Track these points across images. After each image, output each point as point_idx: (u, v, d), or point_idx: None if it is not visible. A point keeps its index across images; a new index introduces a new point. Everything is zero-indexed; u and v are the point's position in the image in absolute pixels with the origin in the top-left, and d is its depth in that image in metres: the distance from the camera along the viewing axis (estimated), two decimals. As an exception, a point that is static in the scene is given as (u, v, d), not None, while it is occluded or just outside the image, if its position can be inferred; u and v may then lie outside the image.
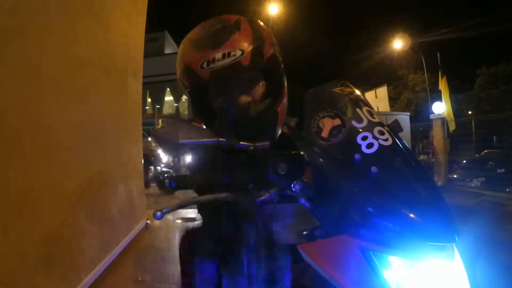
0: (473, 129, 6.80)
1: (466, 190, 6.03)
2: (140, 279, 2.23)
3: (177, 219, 3.98)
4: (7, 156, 1.34)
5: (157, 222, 3.84)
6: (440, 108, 7.14)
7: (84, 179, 2.03)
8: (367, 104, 0.59)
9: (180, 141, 0.54)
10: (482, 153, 6.83)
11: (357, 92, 0.62)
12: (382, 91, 11.19)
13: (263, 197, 0.53)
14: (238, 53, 0.57)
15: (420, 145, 9.05)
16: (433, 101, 8.11)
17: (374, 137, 0.52)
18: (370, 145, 0.51)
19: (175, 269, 2.42)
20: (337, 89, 0.62)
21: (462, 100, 18.02)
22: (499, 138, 6.27)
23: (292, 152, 0.59)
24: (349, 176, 0.51)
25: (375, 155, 0.50)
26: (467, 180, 6.57)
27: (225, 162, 0.59)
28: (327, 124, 0.55)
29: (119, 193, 2.73)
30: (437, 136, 7.13)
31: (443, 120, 7.00)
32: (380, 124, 0.55)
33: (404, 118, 7.25)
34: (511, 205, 4.62)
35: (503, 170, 5.94)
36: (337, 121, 0.55)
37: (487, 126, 6.56)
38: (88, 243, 2.03)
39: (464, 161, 7.18)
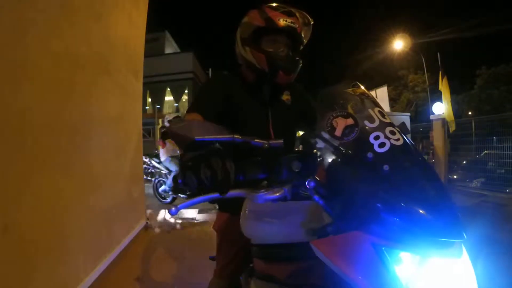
0: (473, 130, 6.80)
1: (466, 191, 6.03)
2: (140, 279, 2.23)
3: (177, 219, 3.98)
4: (7, 155, 1.34)
5: (157, 222, 3.84)
6: (440, 108, 7.14)
7: (84, 179, 2.04)
8: (378, 104, 0.61)
9: (196, 137, 0.54)
10: (482, 154, 6.82)
11: (368, 93, 0.64)
12: (383, 91, 11.18)
13: (278, 194, 0.54)
14: None
15: (420, 146, 9.05)
16: (433, 101, 8.12)
17: (386, 137, 0.53)
18: (382, 145, 0.52)
19: (175, 269, 2.43)
20: (349, 90, 0.64)
21: (462, 100, 18.03)
22: (499, 139, 6.25)
23: (306, 150, 0.60)
24: (362, 174, 0.52)
25: (387, 154, 0.52)
26: (467, 180, 6.57)
27: (239, 159, 0.59)
28: (340, 124, 0.57)
29: (119, 193, 2.73)
30: (437, 137, 7.13)
31: (443, 121, 7.00)
32: (391, 124, 0.56)
33: (404, 118, 7.25)
34: (511, 206, 4.62)
35: (503, 170, 5.93)
36: (350, 121, 0.56)
37: (487, 126, 6.55)
38: (88, 243, 2.03)
39: (464, 162, 7.18)
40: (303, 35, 1.02)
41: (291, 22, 0.96)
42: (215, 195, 0.56)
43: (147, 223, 3.54)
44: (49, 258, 1.60)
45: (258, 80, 1.05)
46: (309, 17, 1.04)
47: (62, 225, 1.73)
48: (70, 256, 1.79)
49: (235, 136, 0.57)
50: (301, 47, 1.06)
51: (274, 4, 1.01)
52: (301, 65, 1.01)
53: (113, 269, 2.28)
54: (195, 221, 3.93)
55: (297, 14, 0.99)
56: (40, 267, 1.52)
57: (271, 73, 0.98)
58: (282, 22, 0.95)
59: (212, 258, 1.18)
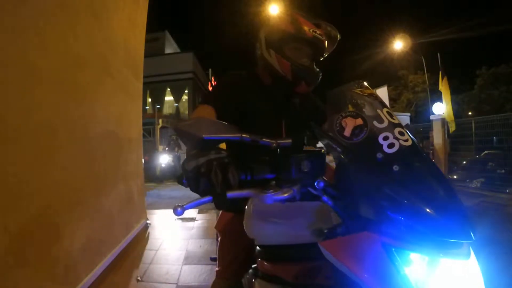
0: (473, 130, 6.80)
1: (466, 191, 6.03)
2: (140, 279, 2.23)
3: (177, 219, 3.98)
4: (7, 156, 1.34)
5: (157, 222, 3.84)
6: (440, 108, 7.15)
7: (84, 179, 2.03)
8: (386, 105, 0.60)
9: (204, 136, 0.54)
10: (482, 154, 6.83)
11: (376, 93, 0.64)
12: (383, 91, 11.16)
13: (286, 194, 0.53)
14: None
15: (420, 146, 9.04)
16: (433, 101, 8.12)
17: (395, 138, 0.53)
18: (391, 145, 0.52)
19: (176, 269, 2.42)
20: (357, 90, 0.64)
21: (462, 100, 18.05)
22: (499, 139, 6.26)
23: (315, 150, 0.59)
24: (371, 175, 0.52)
25: (396, 154, 0.52)
26: (467, 181, 6.57)
27: (248, 158, 0.59)
28: (350, 124, 0.56)
29: (119, 193, 2.73)
30: (437, 137, 7.14)
31: (443, 121, 7.01)
32: (400, 125, 0.56)
33: (404, 118, 7.25)
34: (511, 206, 4.62)
35: (503, 171, 5.93)
36: (359, 121, 0.56)
37: (487, 126, 6.55)
38: (88, 243, 2.03)
39: (464, 162, 7.18)
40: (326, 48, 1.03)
41: (319, 34, 0.97)
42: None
43: (147, 223, 3.54)
44: (49, 258, 1.60)
45: (275, 84, 1.04)
46: (336, 32, 1.04)
47: (62, 225, 1.73)
48: (70, 256, 1.79)
49: (243, 135, 0.57)
50: (321, 59, 1.06)
51: (303, 13, 1.01)
52: (321, 77, 1.02)
53: (113, 269, 2.28)
54: (196, 221, 3.93)
55: (323, 26, 1.00)
56: (40, 267, 1.52)
57: (294, 82, 0.98)
58: (311, 32, 0.96)
59: (212, 259, 1.18)
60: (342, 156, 0.56)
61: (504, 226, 3.53)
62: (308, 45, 0.99)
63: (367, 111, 0.58)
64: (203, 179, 0.50)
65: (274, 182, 0.59)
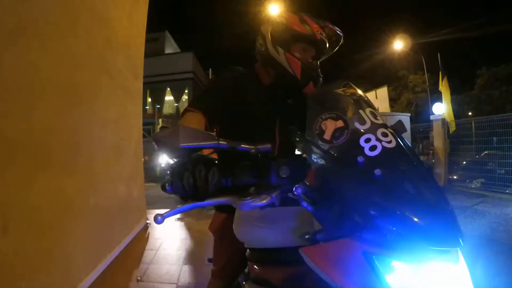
0: (473, 130, 6.80)
1: (466, 191, 6.03)
2: (140, 279, 2.23)
3: (176, 219, 3.98)
4: (7, 156, 1.34)
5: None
6: (440, 109, 7.15)
7: (84, 179, 2.03)
8: (370, 105, 0.58)
9: (181, 145, 0.53)
10: (482, 154, 6.83)
11: (360, 92, 0.61)
12: (383, 91, 11.19)
13: (265, 201, 0.52)
14: None
15: (420, 146, 9.05)
16: (433, 102, 8.12)
17: (378, 139, 0.50)
18: (373, 148, 0.49)
19: (175, 269, 2.42)
20: (339, 90, 0.60)
21: (462, 100, 18.04)
22: (499, 139, 6.26)
23: (294, 154, 0.58)
24: (352, 179, 0.50)
25: (379, 157, 0.49)
26: (467, 181, 6.57)
27: (226, 165, 0.58)
28: (330, 126, 0.54)
29: (119, 193, 2.73)
30: (437, 137, 7.14)
31: (443, 121, 7.01)
32: (384, 125, 0.53)
33: (404, 118, 7.26)
34: (510, 206, 4.62)
35: (503, 171, 5.93)
36: (340, 123, 0.53)
37: (487, 127, 6.54)
38: (88, 243, 2.03)
39: (464, 162, 7.18)
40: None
41: (325, 37, 0.99)
42: (200, 203, 0.55)
43: (147, 223, 3.54)
44: (49, 258, 1.60)
45: (277, 83, 1.04)
46: (340, 37, 1.04)
47: (62, 225, 1.73)
48: (70, 256, 1.79)
49: (220, 142, 0.56)
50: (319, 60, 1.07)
51: (310, 15, 1.02)
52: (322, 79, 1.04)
53: (113, 269, 2.28)
54: (196, 221, 3.93)
55: (326, 28, 1.01)
56: (40, 267, 1.52)
57: (303, 81, 0.98)
58: (319, 34, 0.98)
59: (210, 260, 1.17)
60: (323, 160, 0.53)
61: (503, 226, 3.53)
62: (314, 46, 1.00)
63: (349, 112, 0.55)
64: (187, 173, 0.52)
65: (253, 188, 0.57)
